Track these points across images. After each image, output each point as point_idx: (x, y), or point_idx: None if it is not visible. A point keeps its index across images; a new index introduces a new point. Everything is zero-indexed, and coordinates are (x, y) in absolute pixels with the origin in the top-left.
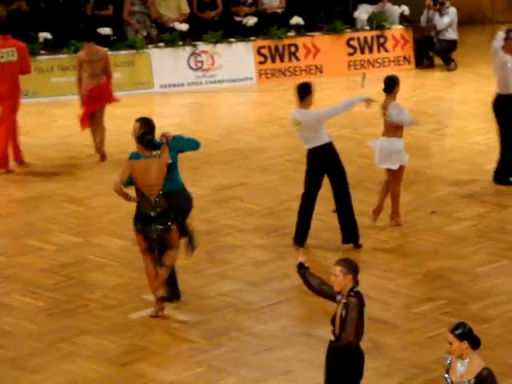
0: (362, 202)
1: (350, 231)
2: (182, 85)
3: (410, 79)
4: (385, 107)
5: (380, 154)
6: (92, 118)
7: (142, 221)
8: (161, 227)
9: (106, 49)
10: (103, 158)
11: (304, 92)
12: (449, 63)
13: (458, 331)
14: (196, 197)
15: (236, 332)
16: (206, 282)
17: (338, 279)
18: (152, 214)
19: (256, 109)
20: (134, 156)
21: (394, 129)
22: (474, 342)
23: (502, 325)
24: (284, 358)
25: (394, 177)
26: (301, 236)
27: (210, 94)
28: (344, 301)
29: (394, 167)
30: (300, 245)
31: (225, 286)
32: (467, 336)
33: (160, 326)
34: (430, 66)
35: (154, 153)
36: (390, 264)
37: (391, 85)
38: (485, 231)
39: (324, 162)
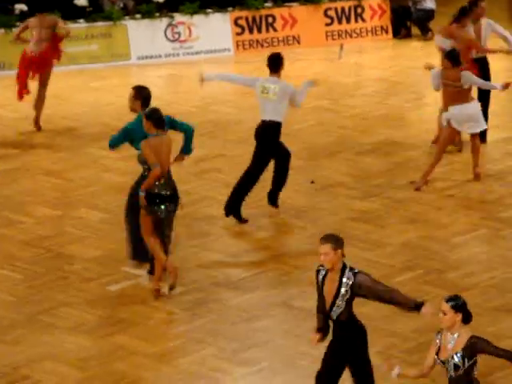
0: (338, 172)
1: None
2: (160, 56)
3: (388, 49)
4: (452, 78)
5: (470, 121)
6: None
7: (154, 201)
8: (174, 205)
9: (55, 16)
10: (38, 127)
11: (276, 62)
12: (426, 33)
13: (454, 302)
14: (174, 170)
15: (215, 303)
16: (185, 253)
17: (329, 256)
18: (165, 192)
19: None
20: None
21: (466, 94)
22: (467, 316)
23: (480, 293)
24: (263, 329)
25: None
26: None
27: (187, 65)
28: (346, 280)
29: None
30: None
31: (204, 258)
32: (461, 308)
33: (139, 298)
34: (408, 35)
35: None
36: (368, 234)
37: (458, 57)
38: (462, 200)
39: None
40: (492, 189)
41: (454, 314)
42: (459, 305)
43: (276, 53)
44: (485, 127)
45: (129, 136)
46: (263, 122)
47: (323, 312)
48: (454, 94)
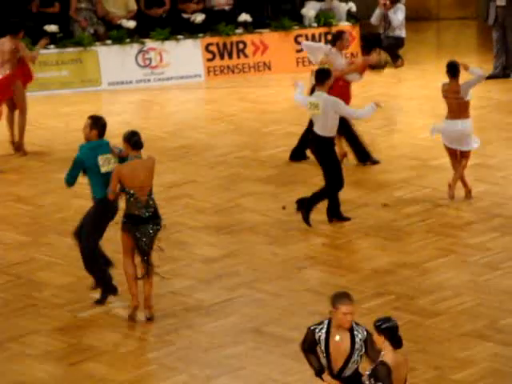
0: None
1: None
2: (130, 82)
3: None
4: (454, 90)
5: (465, 137)
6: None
7: (132, 220)
8: (156, 227)
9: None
10: (19, 149)
11: (322, 77)
12: (396, 60)
13: (378, 324)
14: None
15: (187, 329)
16: (157, 279)
17: (353, 316)
18: (145, 215)
19: (205, 106)
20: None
21: (466, 109)
22: (395, 342)
23: (450, 319)
24: (235, 355)
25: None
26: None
27: (158, 91)
28: (358, 334)
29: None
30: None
31: (175, 284)
32: (384, 331)
33: (110, 325)
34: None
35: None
36: (339, 260)
37: (457, 69)
38: (432, 226)
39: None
40: (462, 214)
41: (377, 336)
42: (381, 326)
43: (322, 67)
44: (474, 147)
45: (81, 166)
46: (314, 134)
47: (330, 372)
48: (453, 107)
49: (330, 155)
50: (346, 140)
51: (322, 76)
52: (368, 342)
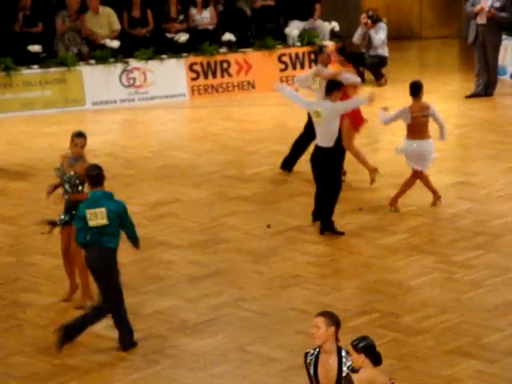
0: (294, 216)
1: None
2: (115, 102)
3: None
4: (421, 110)
5: (427, 156)
6: None
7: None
8: None
9: None
10: None
11: (332, 87)
12: (379, 78)
13: (355, 343)
14: (130, 214)
15: (171, 349)
16: (142, 299)
17: (321, 331)
18: None
19: (189, 125)
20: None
21: (427, 129)
22: (374, 358)
23: (434, 336)
24: (220, 375)
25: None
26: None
27: (142, 110)
28: (346, 361)
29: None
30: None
31: (160, 303)
32: (363, 350)
33: (95, 345)
34: (361, 81)
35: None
36: (324, 278)
37: (419, 88)
38: (417, 244)
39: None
40: (446, 232)
41: (357, 355)
42: (359, 346)
43: (334, 79)
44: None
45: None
46: (315, 146)
47: None
48: (421, 126)
49: (334, 164)
50: (294, 143)
51: (332, 87)
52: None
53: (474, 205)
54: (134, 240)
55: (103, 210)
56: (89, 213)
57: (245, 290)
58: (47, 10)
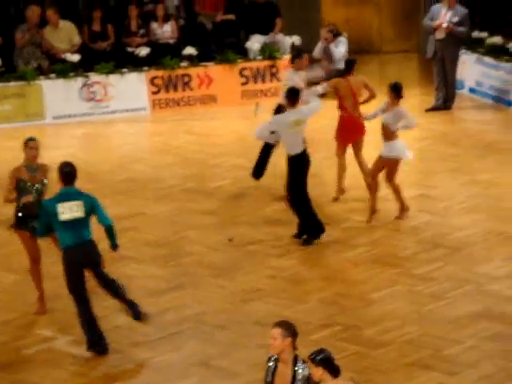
0: (256, 229)
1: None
2: (75, 116)
3: None
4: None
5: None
6: None
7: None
8: None
9: None
10: None
11: (294, 96)
12: None
13: (312, 356)
14: (93, 227)
15: (133, 364)
16: (102, 314)
17: (277, 342)
18: None
19: (150, 139)
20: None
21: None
22: (333, 370)
23: (396, 349)
24: None
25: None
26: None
27: (103, 124)
28: (301, 372)
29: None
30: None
31: (121, 318)
32: (321, 362)
33: (55, 361)
34: (323, 94)
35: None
36: (286, 291)
37: (401, 90)
38: (378, 257)
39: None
40: (406, 245)
41: (315, 368)
42: (317, 359)
43: (291, 87)
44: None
45: (45, 214)
46: (290, 157)
47: None
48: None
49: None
50: (261, 151)
51: (294, 95)
52: (311, 381)
53: (435, 217)
54: (113, 237)
55: (80, 202)
56: (62, 206)
57: (207, 304)
58: (6, 23)
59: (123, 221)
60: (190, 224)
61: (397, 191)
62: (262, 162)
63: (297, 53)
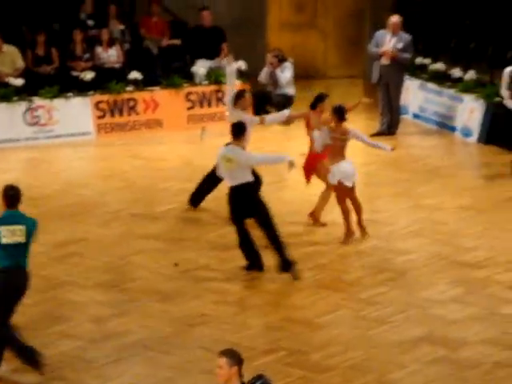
0: (201, 254)
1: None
2: (18, 140)
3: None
4: (344, 133)
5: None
6: None
7: None
8: None
9: None
10: None
11: (239, 130)
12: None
13: (252, 381)
14: (35, 254)
15: None
16: (46, 341)
17: (224, 371)
18: None
19: (96, 163)
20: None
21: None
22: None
23: (340, 374)
24: None
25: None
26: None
27: (47, 149)
28: None
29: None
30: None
31: (65, 345)
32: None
33: None
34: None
35: None
36: (232, 317)
37: (344, 112)
38: (323, 281)
39: (245, 200)
40: (351, 269)
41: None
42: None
43: (237, 121)
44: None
45: None
46: (233, 188)
47: None
48: (340, 150)
49: (257, 198)
50: (204, 179)
51: (239, 130)
52: None
53: (380, 242)
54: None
55: (22, 227)
56: (4, 229)
57: (152, 330)
58: None
59: (68, 246)
60: (136, 249)
61: (344, 215)
62: (203, 191)
63: (238, 94)
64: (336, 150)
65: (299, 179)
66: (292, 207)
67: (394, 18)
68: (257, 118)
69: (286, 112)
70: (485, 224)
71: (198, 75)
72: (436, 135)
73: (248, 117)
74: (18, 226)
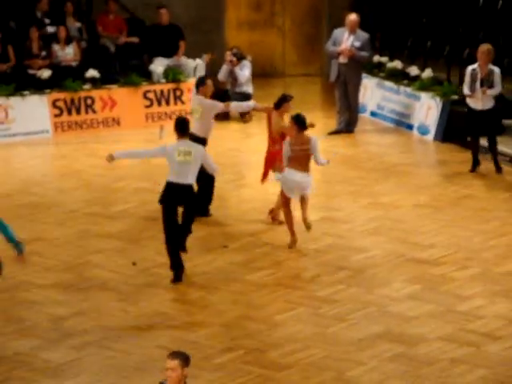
0: (160, 253)
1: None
2: None
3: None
4: (304, 142)
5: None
6: None
7: None
8: None
9: None
10: None
11: (185, 126)
12: (244, 115)
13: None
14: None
15: None
16: (2, 340)
17: (176, 373)
18: None
19: (53, 162)
20: None
21: (308, 161)
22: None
23: (299, 371)
24: None
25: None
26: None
27: (3, 147)
28: None
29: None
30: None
31: (21, 344)
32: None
33: None
34: (226, 117)
35: None
36: (190, 315)
37: (304, 121)
38: (281, 279)
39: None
40: (309, 267)
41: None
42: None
43: (182, 116)
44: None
45: None
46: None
47: None
48: (300, 159)
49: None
50: (200, 187)
51: (185, 125)
52: None
53: (337, 240)
54: (14, 242)
55: None
56: None
57: (109, 329)
58: None
59: (24, 245)
60: (93, 248)
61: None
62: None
63: (200, 80)
64: (298, 160)
65: (257, 176)
66: (250, 205)
67: (352, 16)
68: (221, 104)
69: (251, 103)
70: (442, 221)
71: (156, 73)
72: (393, 133)
73: (210, 102)
74: None
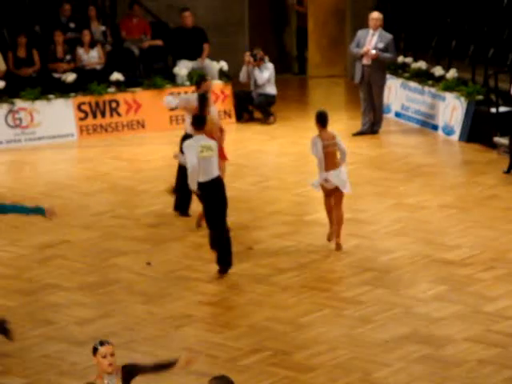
0: (183, 255)
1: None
2: (1, 143)
3: (232, 133)
4: (330, 138)
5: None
6: None
7: None
8: None
9: None
10: None
11: (201, 122)
12: (268, 117)
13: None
14: (18, 256)
15: None
16: (29, 343)
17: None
18: None
19: (78, 165)
20: None
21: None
22: None
23: (325, 373)
24: None
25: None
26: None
27: (30, 151)
28: None
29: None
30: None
31: (48, 347)
32: None
33: None
34: (250, 119)
35: None
36: (216, 317)
37: (327, 119)
38: (307, 281)
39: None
40: (335, 268)
41: None
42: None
43: (198, 114)
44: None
45: None
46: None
47: None
48: (333, 157)
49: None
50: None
51: (201, 121)
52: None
53: (363, 241)
54: (34, 210)
55: None
56: None
57: (136, 332)
58: None
59: (50, 248)
60: (119, 251)
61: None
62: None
63: (200, 78)
64: (330, 157)
65: (281, 178)
66: (275, 207)
67: (375, 14)
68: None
69: (174, 103)
70: (467, 222)
71: (180, 76)
72: (418, 134)
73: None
74: None
